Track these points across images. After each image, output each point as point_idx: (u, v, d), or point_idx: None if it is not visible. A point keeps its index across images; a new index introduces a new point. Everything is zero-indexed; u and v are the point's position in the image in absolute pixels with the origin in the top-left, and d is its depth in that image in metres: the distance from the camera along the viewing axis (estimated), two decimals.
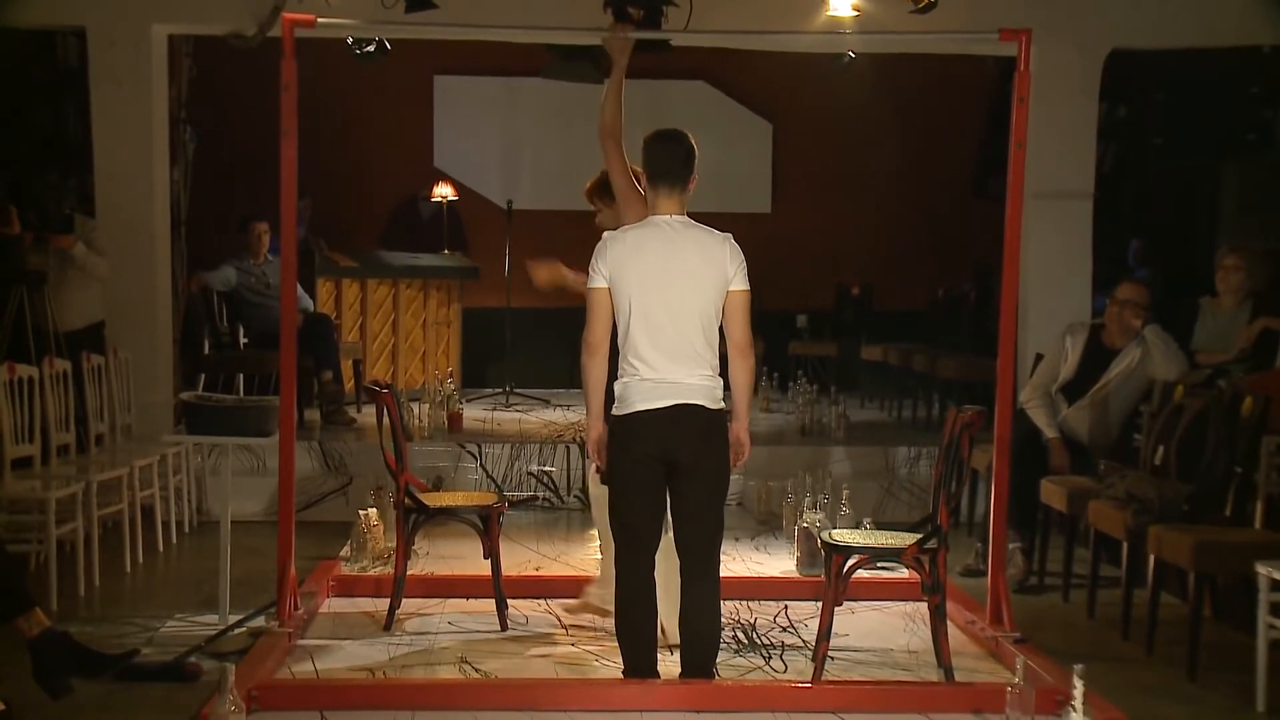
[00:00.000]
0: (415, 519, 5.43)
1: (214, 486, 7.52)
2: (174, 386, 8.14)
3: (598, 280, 4.43)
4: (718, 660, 4.99)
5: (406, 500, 5.39)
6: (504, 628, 5.37)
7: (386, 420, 5.42)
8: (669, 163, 4.48)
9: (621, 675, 4.58)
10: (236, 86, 9.57)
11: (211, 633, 5.33)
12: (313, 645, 5.18)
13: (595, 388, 4.48)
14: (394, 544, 6.42)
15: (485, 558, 5.41)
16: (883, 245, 12.11)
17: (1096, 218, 8.37)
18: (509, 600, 5.49)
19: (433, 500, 5.52)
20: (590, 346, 4.45)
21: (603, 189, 5.28)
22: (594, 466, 4.69)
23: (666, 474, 4.42)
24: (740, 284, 4.45)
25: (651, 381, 4.37)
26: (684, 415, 4.37)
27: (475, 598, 5.79)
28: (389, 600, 5.45)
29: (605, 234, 4.50)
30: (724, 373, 4.49)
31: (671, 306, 4.38)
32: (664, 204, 4.49)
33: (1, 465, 5.88)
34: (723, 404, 4.48)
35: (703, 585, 4.47)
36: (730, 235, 4.50)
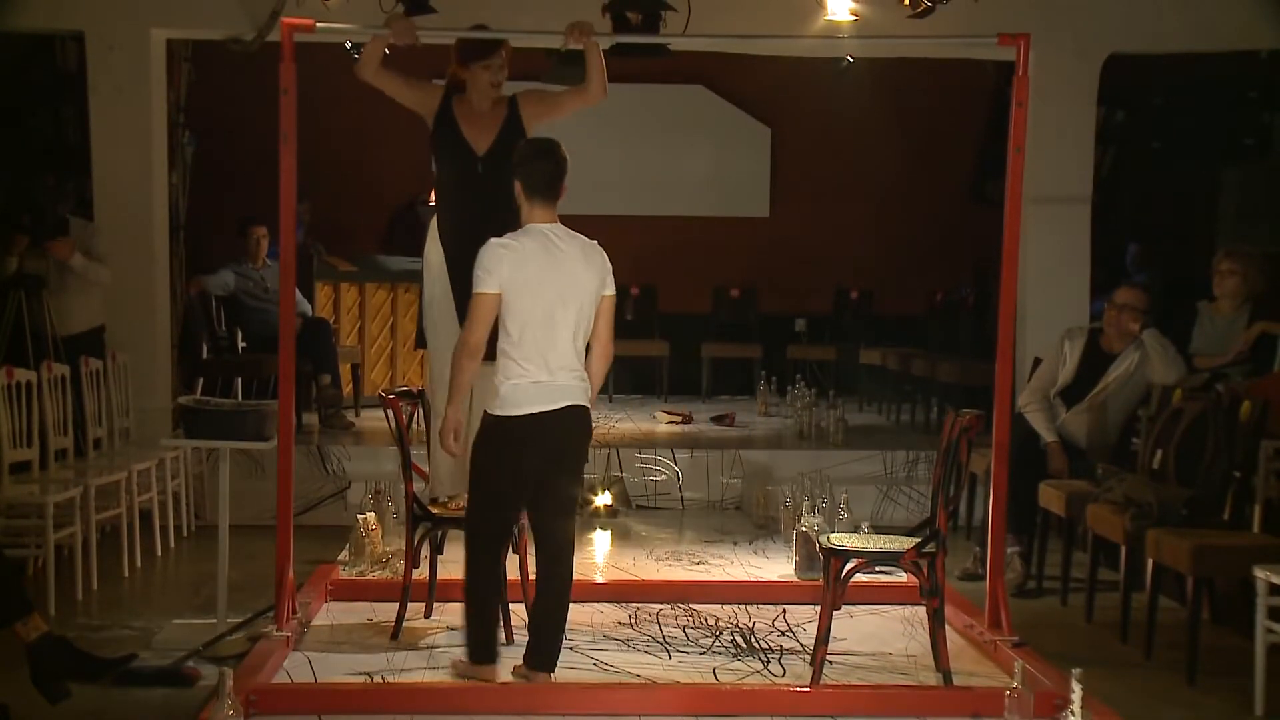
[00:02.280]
0: (424, 529, 5.39)
1: (212, 491, 7.51)
2: (172, 391, 8.14)
3: (489, 285, 4.60)
4: (716, 665, 5.02)
5: (415, 509, 5.37)
6: (509, 640, 5.27)
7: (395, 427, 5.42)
8: (546, 178, 4.71)
9: (466, 652, 4.81)
10: (235, 91, 9.56)
11: (210, 637, 5.32)
12: (311, 649, 5.17)
13: (463, 387, 4.72)
14: (393, 548, 6.46)
15: None
16: (881, 249, 12.11)
17: (1095, 222, 8.37)
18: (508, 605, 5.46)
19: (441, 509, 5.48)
20: (470, 348, 4.64)
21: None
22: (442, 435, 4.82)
23: (540, 469, 4.67)
24: (612, 288, 4.79)
25: (543, 385, 4.62)
26: (573, 416, 4.68)
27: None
28: (395, 607, 5.39)
29: (494, 241, 4.66)
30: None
31: (560, 312, 4.63)
32: (540, 214, 4.73)
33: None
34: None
35: (561, 569, 4.73)
36: (595, 241, 4.79)
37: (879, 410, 10.93)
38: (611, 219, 11.88)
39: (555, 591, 4.72)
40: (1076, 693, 3.85)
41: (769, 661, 5.13)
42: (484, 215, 5.70)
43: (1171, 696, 4.90)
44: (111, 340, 7.59)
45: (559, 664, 4.92)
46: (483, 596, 4.78)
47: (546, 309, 4.60)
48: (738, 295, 11.56)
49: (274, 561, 5.26)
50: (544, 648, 4.71)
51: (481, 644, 4.79)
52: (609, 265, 4.77)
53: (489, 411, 4.68)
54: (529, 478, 4.68)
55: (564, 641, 4.80)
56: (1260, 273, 6.82)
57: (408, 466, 5.41)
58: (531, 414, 4.61)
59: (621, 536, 7.43)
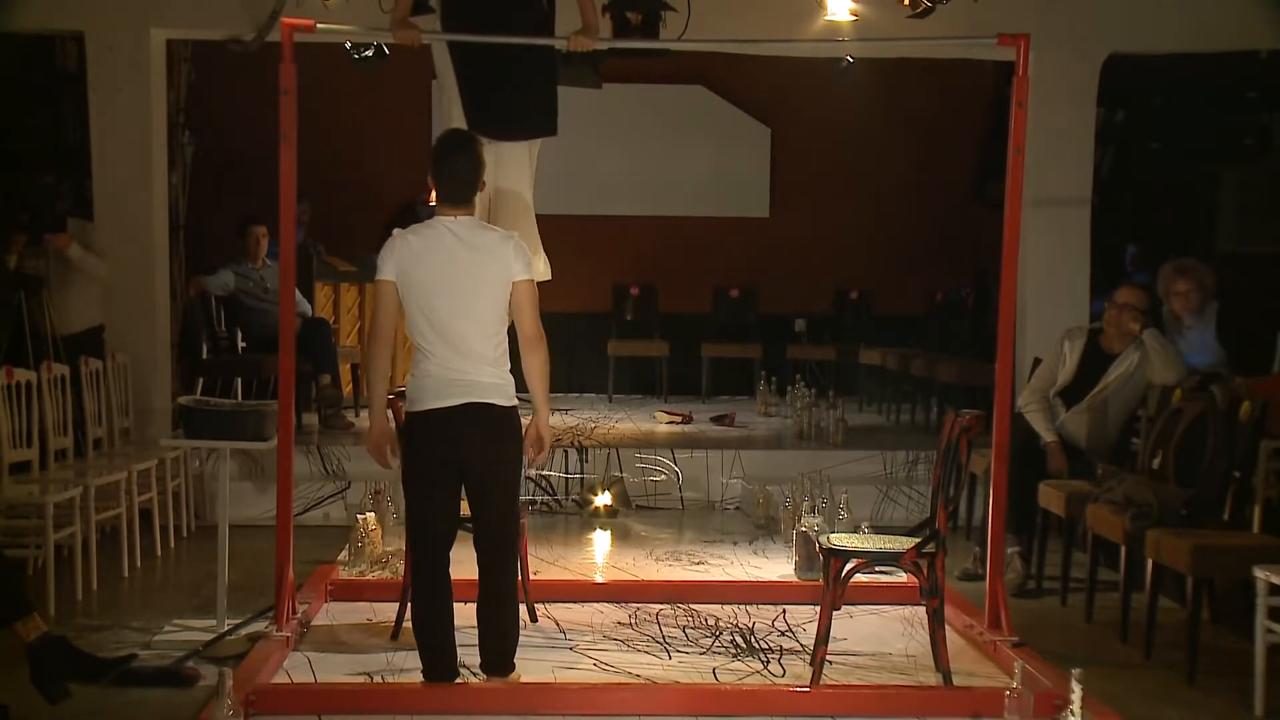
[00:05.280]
0: None
1: (212, 491, 7.52)
2: (172, 391, 8.14)
3: (384, 273, 4.52)
4: (715, 665, 5.02)
5: None
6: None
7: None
8: (455, 187, 4.55)
9: (423, 678, 4.57)
10: (235, 91, 9.56)
11: (209, 637, 5.32)
12: (310, 650, 5.18)
13: (378, 378, 4.64)
14: (392, 548, 6.47)
15: None
16: (881, 249, 12.11)
17: (1095, 222, 8.37)
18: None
19: None
20: (374, 334, 4.59)
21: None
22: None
23: (460, 471, 4.49)
24: (523, 274, 4.53)
25: (442, 381, 4.47)
26: (475, 413, 4.46)
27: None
28: (395, 607, 5.39)
29: (395, 231, 4.58)
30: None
31: (458, 306, 4.46)
32: (449, 211, 4.57)
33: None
34: (515, 400, 4.54)
35: (500, 580, 4.55)
36: (515, 234, 4.63)
37: (879, 410, 10.94)
38: (611, 219, 11.92)
39: (489, 591, 4.54)
40: (1076, 693, 3.85)
41: (769, 661, 5.13)
42: None
43: (1171, 696, 4.90)
44: (111, 340, 7.59)
45: (558, 664, 4.93)
46: (419, 607, 4.55)
47: (443, 303, 4.46)
48: (738, 295, 11.56)
49: (274, 561, 5.26)
50: (487, 651, 4.57)
51: (429, 663, 4.56)
52: (521, 253, 4.54)
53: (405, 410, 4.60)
54: (441, 477, 4.49)
55: (563, 643, 4.76)
56: (1210, 276, 7.01)
57: None
58: (430, 410, 4.47)
59: (621, 536, 7.43)
